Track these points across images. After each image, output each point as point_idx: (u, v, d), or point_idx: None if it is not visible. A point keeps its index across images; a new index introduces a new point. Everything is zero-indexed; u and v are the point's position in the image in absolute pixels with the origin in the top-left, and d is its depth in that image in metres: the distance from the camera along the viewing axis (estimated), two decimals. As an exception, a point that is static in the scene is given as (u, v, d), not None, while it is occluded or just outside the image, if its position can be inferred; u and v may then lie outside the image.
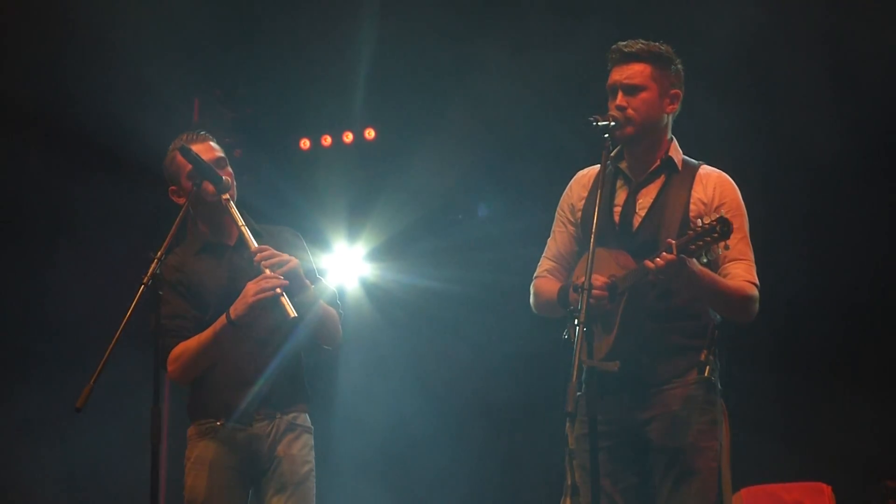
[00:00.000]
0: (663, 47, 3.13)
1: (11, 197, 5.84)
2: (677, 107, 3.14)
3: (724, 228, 2.70)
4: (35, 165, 5.84)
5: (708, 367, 3.00)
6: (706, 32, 4.99)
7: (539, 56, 5.58)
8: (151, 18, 5.42)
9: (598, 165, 3.14)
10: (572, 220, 3.20)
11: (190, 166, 3.22)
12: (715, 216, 2.75)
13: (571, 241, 3.22)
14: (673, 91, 3.11)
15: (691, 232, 2.77)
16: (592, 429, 2.81)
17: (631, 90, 3.08)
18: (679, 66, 3.14)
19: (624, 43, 3.13)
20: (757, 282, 3.03)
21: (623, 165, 3.14)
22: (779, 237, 4.84)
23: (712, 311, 3.05)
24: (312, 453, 3.36)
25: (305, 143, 6.67)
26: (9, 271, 5.75)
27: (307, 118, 6.62)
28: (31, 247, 5.84)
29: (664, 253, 2.77)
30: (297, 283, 3.20)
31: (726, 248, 2.79)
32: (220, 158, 3.35)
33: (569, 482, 2.96)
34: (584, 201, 3.16)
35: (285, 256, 3.21)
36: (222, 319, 3.19)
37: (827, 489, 4.67)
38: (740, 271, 3.01)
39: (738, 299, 3.00)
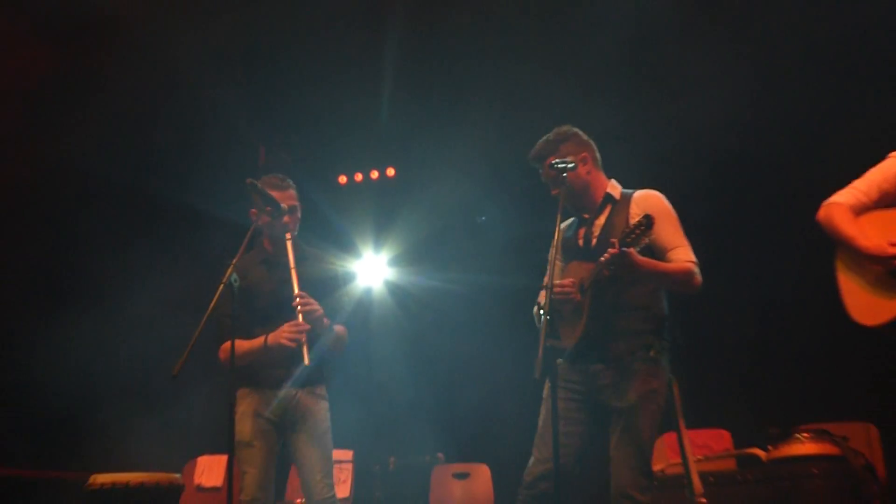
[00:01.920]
0: (550, 136, 3.41)
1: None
2: (591, 161, 3.40)
3: (647, 221, 2.97)
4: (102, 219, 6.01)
5: (653, 349, 3.28)
6: (607, 31, 5.04)
7: (529, 107, 5.78)
8: (222, 78, 5.77)
9: (572, 218, 3.53)
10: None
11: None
12: (642, 215, 3.01)
13: (560, 272, 3.45)
14: (580, 156, 3.39)
15: (626, 230, 3.05)
16: (553, 389, 3.17)
17: (552, 183, 3.40)
18: (571, 135, 3.40)
19: (529, 156, 3.43)
20: (695, 259, 3.27)
21: (580, 211, 3.53)
22: (714, 239, 4.65)
23: (664, 303, 3.34)
24: (329, 415, 3.67)
25: (343, 179, 7.16)
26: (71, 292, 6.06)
27: (344, 160, 7.05)
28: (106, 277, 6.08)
29: (609, 249, 3.09)
30: (318, 325, 3.55)
31: (649, 237, 3.02)
32: (294, 206, 3.67)
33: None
34: (560, 238, 3.43)
35: (315, 305, 3.51)
36: (261, 340, 3.53)
37: (726, 434, 5.01)
38: (680, 255, 3.28)
39: (679, 274, 3.24)
